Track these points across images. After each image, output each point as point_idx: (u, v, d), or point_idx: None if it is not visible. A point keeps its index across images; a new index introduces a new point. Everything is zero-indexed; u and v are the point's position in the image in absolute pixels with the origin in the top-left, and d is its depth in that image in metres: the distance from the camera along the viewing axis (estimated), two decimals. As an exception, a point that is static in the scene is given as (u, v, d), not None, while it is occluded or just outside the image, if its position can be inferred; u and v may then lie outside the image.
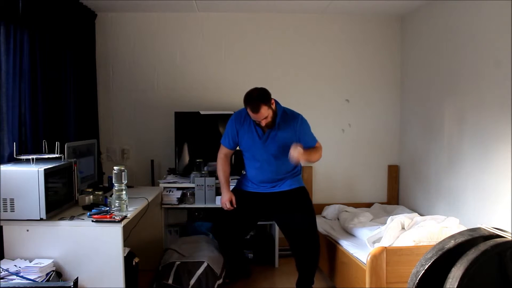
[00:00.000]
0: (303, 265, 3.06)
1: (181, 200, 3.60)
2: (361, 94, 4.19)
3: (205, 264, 3.00)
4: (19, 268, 2.21)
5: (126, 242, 2.74)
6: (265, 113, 2.79)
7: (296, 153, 2.71)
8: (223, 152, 3.13)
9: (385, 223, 2.92)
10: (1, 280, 2.11)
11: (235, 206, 3.04)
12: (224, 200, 3.06)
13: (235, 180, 3.41)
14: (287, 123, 2.94)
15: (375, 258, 2.54)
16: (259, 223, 3.62)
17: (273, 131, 2.93)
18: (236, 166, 3.58)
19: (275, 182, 3.04)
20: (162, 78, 4.07)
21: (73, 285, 1.94)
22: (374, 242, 2.82)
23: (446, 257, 1.89)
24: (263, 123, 2.84)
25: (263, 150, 2.97)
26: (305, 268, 3.05)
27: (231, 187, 3.18)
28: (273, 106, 2.87)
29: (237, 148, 3.14)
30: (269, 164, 2.99)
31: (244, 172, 3.23)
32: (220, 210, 3.25)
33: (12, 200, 2.30)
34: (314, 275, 3.08)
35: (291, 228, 3.03)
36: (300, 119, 2.97)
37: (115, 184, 2.56)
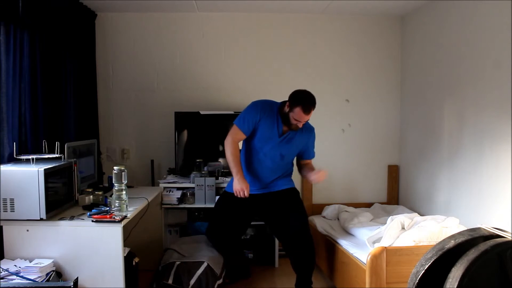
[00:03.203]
0: (299, 266, 3.05)
1: (181, 200, 3.60)
2: (361, 94, 4.19)
3: (205, 264, 3.00)
4: (19, 268, 2.21)
5: (126, 242, 2.74)
6: (310, 117, 2.87)
7: (323, 176, 2.94)
8: (236, 136, 2.95)
9: (385, 223, 2.92)
10: (1, 280, 2.11)
11: (248, 196, 2.91)
12: (242, 187, 2.87)
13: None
14: (305, 132, 3.04)
15: (375, 258, 2.55)
16: (259, 223, 3.62)
17: (292, 134, 2.97)
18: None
19: (268, 184, 3.05)
20: (162, 78, 4.07)
21: (73, 285, 1.94)
22: (374, 242, 2.82)
23: (446, 257, 1.89)
24: (301, 125, 2.90)
25: (275, 147, 2.97)
26: (302, 268, 3.04)
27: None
28: None
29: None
30: (272, 162, 2.99)
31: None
32: (212, 212, 3.24)
33: (12, 200, 2.30)
34: (311, 275, 3.07)
35: (284, 229, 3.02)
36: (314, 132, 3.14)
37: (115, 184, 2.56)
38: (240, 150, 3.04)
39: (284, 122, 2.92)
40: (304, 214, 3.05)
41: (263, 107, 2.96)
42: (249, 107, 3.00)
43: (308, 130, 3.09)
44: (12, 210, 2.30)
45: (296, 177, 3.25)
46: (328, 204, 3.97)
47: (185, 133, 3.90)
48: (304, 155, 3.13)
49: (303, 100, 2.81)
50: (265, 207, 3.05)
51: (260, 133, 2.96)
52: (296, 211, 3.01)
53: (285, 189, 3.05)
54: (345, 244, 3.09)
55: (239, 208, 3.04)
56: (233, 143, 2.94)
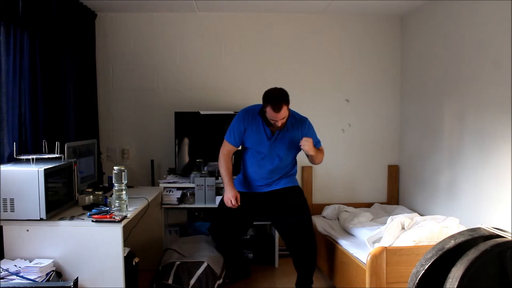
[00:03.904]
0: (301, 264, 3.05)
1: (181, 200, 3.60)
2: (361, 94, 4.19)
3: (205, 264, 3.00)
4: (19, 268, 2.21)
5: (126, 242, 2.75)
6: (284, 113, 2.80)
7: (307, 143, 2.84)
8: (227, 149, 3.06)
9: (385, 223, 2.92)
10: (1, 280, 2.11)
11: (239, 203, 2.98)
12: (229, 196, 2.97)
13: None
14: (295, 126, 2.98)
15: (375, 258, 2.55)
16: (259, 223, 3.63)
17: (281, 133, 2.94)
18: (236, 166, 3.57)
19: (271, 183, 3.05)
20: (162, 78, 4.07)
21: (73, 285, 1.94)
22: (374, 242, 2.82)
23: (446, 257, 1.89)
24: (279, 123, 2.83)
25: (269, 150, 2.96)
26: (303, 267, 3.05)
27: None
28: (289, 107, 2.88)
29: (239, 147, 3.12)
30: (272, 164, 2.99)
31: (240, 174, 3.19)
32: (216, 211, 3.24)
33: (12, 200, 2.30)
34: (312, 274, 3.08)
35: (287, 228, 3.03)
36: (308, 123, 3.03)
37: (115, 184, 2.56)
38: (230, 161, 3.09)
39: (268, 123, 2.91)
40: (307, 213, 3.05)
41: (245, 115, 2.99)
42: (234, 119, 3.04)
43: (299, 122, 3.00)
44: (12, 210, 2.30)
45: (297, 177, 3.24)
46: (328, 204, 3.97)
47: (185, 133, 3.90)
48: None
49: (270, 98, 2.79)
50: (268, 205, 3.05)
51: (251, 140, 2.99)
52: (299, 209, 3.01)
53: (288, 187, 3.04)
54: (345, 244, 3.09)
55: (242, 207, 3.04)
56: (223, 155, 3.05)
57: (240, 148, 3.11)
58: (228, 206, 2.99)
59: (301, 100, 4.05)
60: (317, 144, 3.04)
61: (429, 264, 1.90)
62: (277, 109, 2.75)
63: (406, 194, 4.11)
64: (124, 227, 2.41)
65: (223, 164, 3.04)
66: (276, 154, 2.97)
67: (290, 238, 3.04)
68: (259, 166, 3.02)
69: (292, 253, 3.07)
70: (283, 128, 2.92)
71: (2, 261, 2.32)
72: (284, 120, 2.84)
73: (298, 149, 3.03)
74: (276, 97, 2.78)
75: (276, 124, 2.83)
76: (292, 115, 2.97)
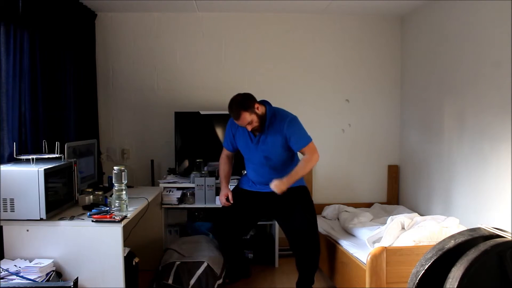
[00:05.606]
0: (303, 264, 3.06)
1: (181, 200, 3.60)
2: (361, 94, 4.19)
3: (205, 264, 3.00)
4: (19, 268, 2.22)
5: (126, 242, 2.74)
6: (248, 118, 2.80)
7: (276, 188, 2.80)
8: (225, 153, 3.23)
9: (385, 223, 2.91)
10: (1, 280, 2.11)
11: (231, 202, 3.07)
12: (220, 196, 3.13)
13: (236, 180, 3.43)
14: (275, 126, 2.90)
15: (375, 258, 2.55)
16: (259, 223, 3.62)
17: (263, 135, 2.94)
18: (237, 166, 3.58)
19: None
20: (162, 78, 4.08)
21: (73, 285, 1.94)
22: (374, 242, 2.82)
23: (446, 257, 1.89)
24: (249, 128, 2.86)
25: (256, 153, 2.99)
26: (305, 267, 3.05)
27: (232, 187, 3.21)
28: (259, 110, 2.84)
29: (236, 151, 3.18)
30: (264, 166, 3.01)
31: (245, 172, 3.25)
32: (220, 209, 3.26)
33: (12, 200, 2.30)
34: (314, 275, 3.08)
35: (291, 227, 3.03)
36: (288, 120, 2.88)
37: (115, 184, 2.56)
38: (229, 163, 3.23)
39: None
40: (312, 213, 3.03)
41: (232, 122, 3.07)
42: (226, 126, 3.15)
43: (279, 121, 2.88)
44: (12, 210, 2.30)
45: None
46: (328, 204, 3.97)
47: (185, 133, 3.90)
48: (292, 146, 2.92)
49: (229, 107, 2.84)
50: (274, 205, 3.05)
51: (240, 145, 3.08)
52: (303, 209, 3.00)
53: (293, 187, 3.02)
54: (345, 244, 3.09)
55: (248, 204, 3.08)
56: (221, 159, 3.24)
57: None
58: (222, 205, 3.12)
59: (301, 100, 4.06)
60: (302, 140, 2.88)
61: (429, 264, 1.90)
62: (236, 117, 2.81)
63: (406, 194, 4.11)
64: (124, 227, 2.42)
65: (221, 166, 3.23)
66: (262, 155, 2.98)
67: (294, 238, 3.04)
68: (255, 170, 3.07)
69: (296, 253, 3.07)
70: (262, 131, 2.92)
71: (2, 261, 2.32)
72: (255, 125, 2.84)
73: (288, 148, 2.95)
74: (234, 105, 2.80)
75: (247, 128, 2.88)
76: (273, 114, 2.92)
